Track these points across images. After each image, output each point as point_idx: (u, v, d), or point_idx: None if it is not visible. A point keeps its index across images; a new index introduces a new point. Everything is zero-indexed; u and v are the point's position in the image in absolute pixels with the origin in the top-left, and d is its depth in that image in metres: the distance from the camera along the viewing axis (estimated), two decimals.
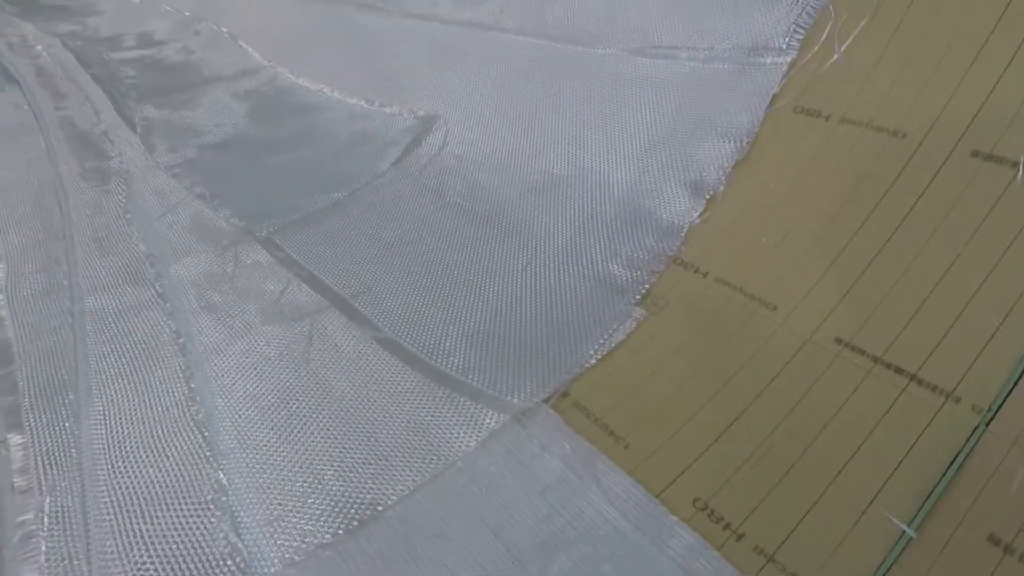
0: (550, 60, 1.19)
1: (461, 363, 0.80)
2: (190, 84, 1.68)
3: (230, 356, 0.81)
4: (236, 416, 0.73)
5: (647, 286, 0.86)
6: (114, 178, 1.25)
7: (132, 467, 0.69)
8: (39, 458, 0.70)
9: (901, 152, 0.80)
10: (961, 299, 0.68)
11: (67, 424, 0.73)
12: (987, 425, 0.60)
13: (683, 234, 0.89)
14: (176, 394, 0.75)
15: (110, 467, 0.69)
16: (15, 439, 0.76)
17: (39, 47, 2.02)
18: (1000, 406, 0.60)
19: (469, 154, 1.15)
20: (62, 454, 0.70)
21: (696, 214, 0.90)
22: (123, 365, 0.81)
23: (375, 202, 1.11)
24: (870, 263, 0.76)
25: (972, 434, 0.60)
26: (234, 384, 0.77)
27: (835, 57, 0.89)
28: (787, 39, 0.93)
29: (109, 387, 0.78)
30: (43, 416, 0.77)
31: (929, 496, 0.58)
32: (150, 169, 1.28)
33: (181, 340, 0.83)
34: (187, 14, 2.15)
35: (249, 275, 0.94)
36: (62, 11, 2.38)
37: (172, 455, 0.69)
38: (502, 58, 1.27)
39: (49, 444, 0.72)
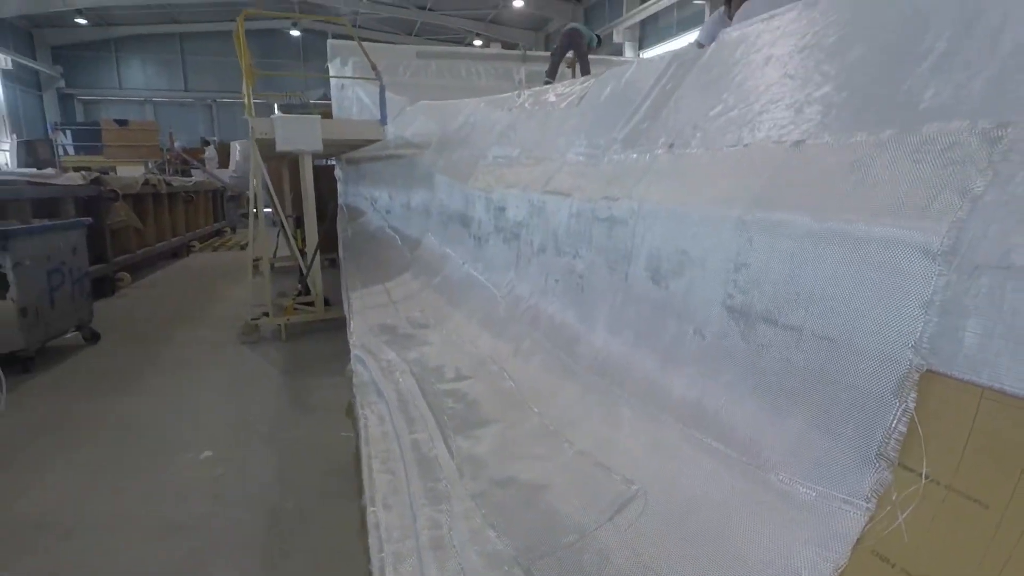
0: (701, 463, 1.80)
1: None
2: (482, 420, 2.63)
3: None
4: None
5: None
6: (442, 501, 2.11)
7: None
8: None
9: None
10: None
11: None
12: None
13: None
14: None
15: None
16: None
17: (397, 372, 3.26)
18: None
19: (663, 524, 1.76)
20: None
21: None
22: None
23: (593, 551, 1.76)
24: None
25: None
26: None
27: (898, 522, 1.35)
28: (868, 497, 1.43)
29: None
30: None
31: None
32: (461, 496, 2.12)
33: None
34: (486, 354, 3.27)
35: None
36: (409, 339, 3.74)
37: None
38: (667, 445, 1.93)
39: None
